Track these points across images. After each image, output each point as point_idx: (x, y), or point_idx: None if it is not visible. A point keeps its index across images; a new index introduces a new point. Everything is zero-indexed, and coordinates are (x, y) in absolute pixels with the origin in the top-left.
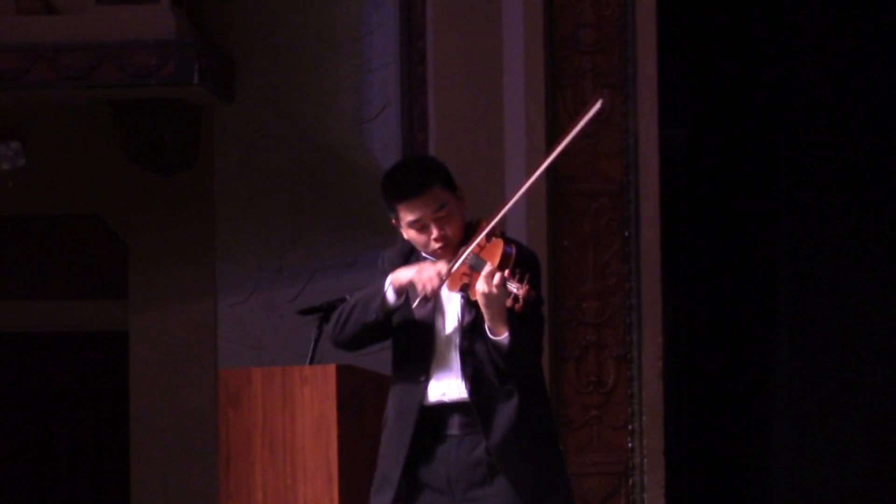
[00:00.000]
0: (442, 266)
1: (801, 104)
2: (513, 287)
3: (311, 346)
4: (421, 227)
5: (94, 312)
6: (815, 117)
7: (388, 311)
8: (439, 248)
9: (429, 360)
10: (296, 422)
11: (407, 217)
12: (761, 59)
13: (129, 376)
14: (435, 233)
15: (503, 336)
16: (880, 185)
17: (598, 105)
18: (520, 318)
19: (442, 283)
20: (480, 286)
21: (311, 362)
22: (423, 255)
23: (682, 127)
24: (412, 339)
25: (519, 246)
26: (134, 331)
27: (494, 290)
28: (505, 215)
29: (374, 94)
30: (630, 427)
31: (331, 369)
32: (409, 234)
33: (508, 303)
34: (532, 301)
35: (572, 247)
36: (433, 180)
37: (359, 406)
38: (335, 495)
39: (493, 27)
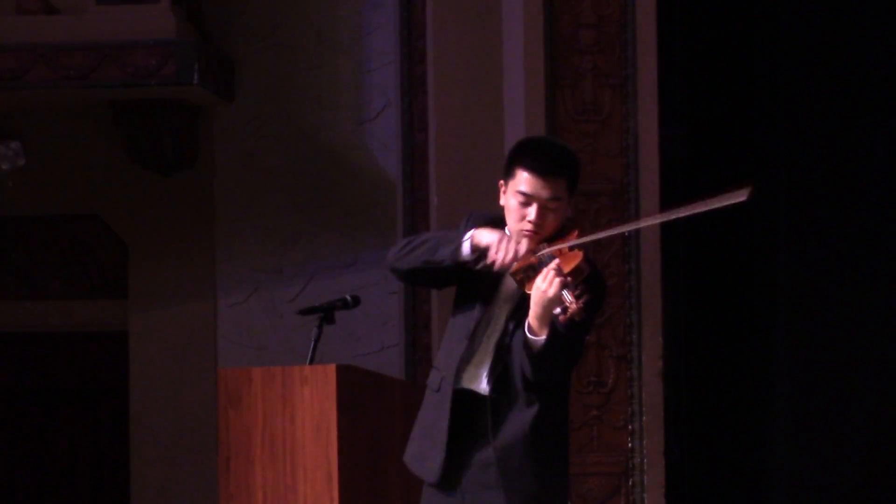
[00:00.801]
0: (523, 245)
1: (800, 104)
2: (568, 297)
3: (311, 346)
4: (527, 202)
5: (94, 312)
6: (814, 117)
7: (456, 262)
8: (529, 230)
9: (472, 344)
10: (296, 422)
11: (521, 186)
12: (761, 59)
13: (129, 376)
14: (534, 216)
15: (541, 337)
16: (880, 184)
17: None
18: (563, 333)
19: (514, 260)
20: (541, 280)
21: (311, 362)
22: (506, 230)
23: (682, 127)
24: (468, 314)
25: (595, 270)
26: (134, 331)
27: (552, 289)
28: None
29: (374, 94)
30: (630, 427)
31: (331, 369)
32: (510, 201)
33: (557, 310)
34: (578, 321)
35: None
36: (567, 174)
37: (359, 406)
38: (335, 495)
39: (493, 27)
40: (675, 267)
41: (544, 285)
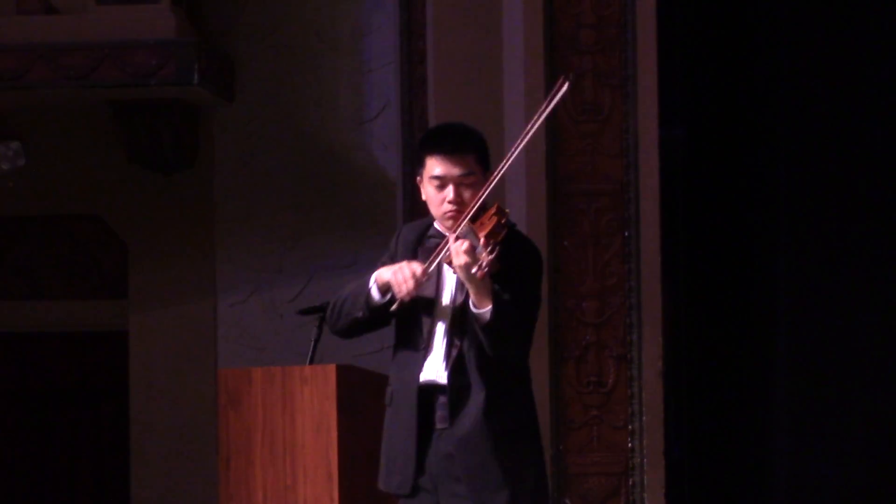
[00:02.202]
0: (416, 266)
1: (800, 104)
2: (481, 253)
3: (311, 346)
4: (441, 184)
5: (94, 312)
6: (814, 117)
7: (374, 308)
8: (450, 211)
9: (425, 338)
10: (296, 422)
11: (432, 170)
12: (761, 59)
13: (129, 376)
14: (451, 195)
15: (486, 309)
16: (880, 184)
17: (564, 88)
18: (505, 301)
19: (418, 285)
20: (453, 254)
21: (311, 362)
22: (436, 227)
23: (682, 127)
24: (412, 315)
25: (518, 234)
26: (134, 331)
27: (460, 257)
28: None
29: (374, 94)
30: (630, 427)
31: (331, 369)
32: (428, 190)
33: (474, 270)
34: (502, 276)
35: (572, 247)
36: (472, 148)
37: (359, 406)
38: (335, 495)
39: (492, 27)
40: (675, 267)
41: (456, 257)
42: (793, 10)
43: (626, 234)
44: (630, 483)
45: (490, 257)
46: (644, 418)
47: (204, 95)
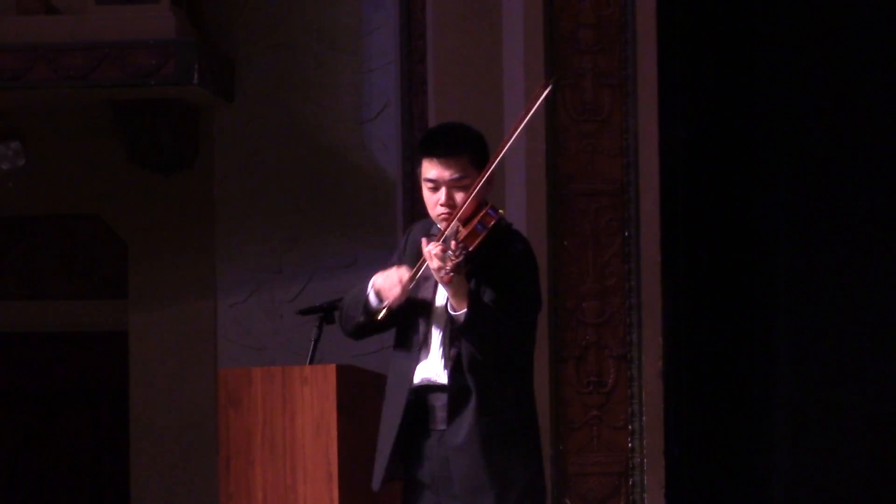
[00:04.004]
0: (403, 273)
1: (801, 104)
2: (450, 256)
3: (311, 346)
4: (434, 187)
5: (94, 312)
6: (815, 117)
7: (371, 312)
8: (444, 213)
9: (420, 339)
10: (296, 422)
11: (427, 173)
12: (761, 59)
13: (129, 376)
14: (443, 198)
15: (461, 311)
16: (880, 184)
17: (548, 90)
18: (482, 302)
19: (405, 292)
20: (426, 258)
21: (311, 362)
22: (438, 227)
23: (682, 127)
24: (409, 317)
25: (512, 233)
26: (134, 331)
27: (434, 261)
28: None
29: (374, 94)
30: (630, 427)
31: (331, 369)
32: (424, 192)
33: (442, 273)
34: (461, 270)
35: (572, 247)
36: (465, 151)
37: (359, 406)
38: (335, 495)
39: (493, 27)
40: (675, 267)
41: (428, 261)
42: (793, 10)
43: (626, 234)
44: (630, 483)
45: (456, 260)
46: (644, 418)
47: (204, 95)
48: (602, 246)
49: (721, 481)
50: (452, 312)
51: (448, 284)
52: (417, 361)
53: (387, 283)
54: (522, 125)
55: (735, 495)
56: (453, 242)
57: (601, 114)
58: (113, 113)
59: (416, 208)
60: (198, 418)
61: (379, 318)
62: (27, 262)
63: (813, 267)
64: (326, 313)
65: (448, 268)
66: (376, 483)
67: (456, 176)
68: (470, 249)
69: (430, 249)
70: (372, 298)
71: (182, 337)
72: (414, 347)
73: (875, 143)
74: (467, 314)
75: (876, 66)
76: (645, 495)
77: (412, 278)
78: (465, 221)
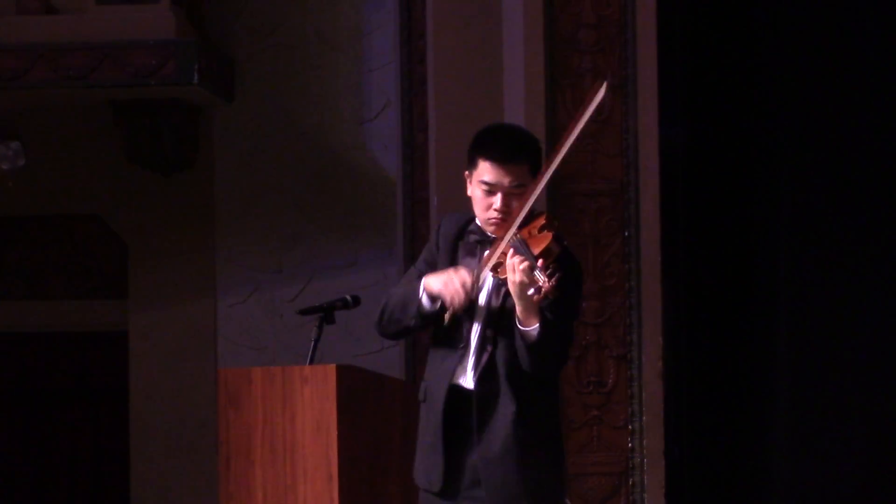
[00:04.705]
0: (467, 277)
1: (801, 104)
2: (540, 277)
3: (311, 346)
4: (490, 191)
5: (93, 312)
6: (815, 117)
7: (425, 316)
8: (496, 218)
9: (465, 336)
10: (296, 422)
11: (483, 175)
12: (761, 58)
13: (129, 376)
14: (499, 203)
15: (532, 327)
16: (880, 184)
17: (602, 90)
18: (553, 320)
19: (469, 297)
20: (509, 271)
21: (311, 362)
22: (476, 223)
23: (682, 127)
24: (454, 325)
25: (566, 249)
26: (134, 331)
27: (518, 274)
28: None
29: (374, 94)
30: (630, 427)
31: (331, 369)
32: (475, 192)
33: (531, 291)
34: (554, 299)
35: (572, 247)
36: (527, 159)
37: (359, 406)
38: (335, 495)
39: (493, 27)
40: (675, 267)
41: (512, 274)
42: (793, 10)
43: (626, 234)
44: (630, 483)
45: (551, 284)
46: (644, 418)
47: (204, 95)
48: (602, 246)
49: (721, 481)
50: (522, 328)
51: (525, 301)
52: (461, 360)
53: (448, 289)
54: (577, 130)
55: (735, 495)
56: (540, 260)
57: (601, 114)
58: (113, 113)
59: (417, 208)
60: (198, 418)
61: (446, 321)
62: (27, 262)
63: (813, 267)
64: (326, 313)
65: (543, 290)
66: (435, 486)
67: (515, 183)
68: (559, 275)
69: (517, 264)
70: (426, 302)
71: (182, 337)
72: (458, 345)
73: (875, 142)
74: (540, 331)
75: (876, 65)
76: (645, 495)
77: (475, 284)
78: (520, 227)
